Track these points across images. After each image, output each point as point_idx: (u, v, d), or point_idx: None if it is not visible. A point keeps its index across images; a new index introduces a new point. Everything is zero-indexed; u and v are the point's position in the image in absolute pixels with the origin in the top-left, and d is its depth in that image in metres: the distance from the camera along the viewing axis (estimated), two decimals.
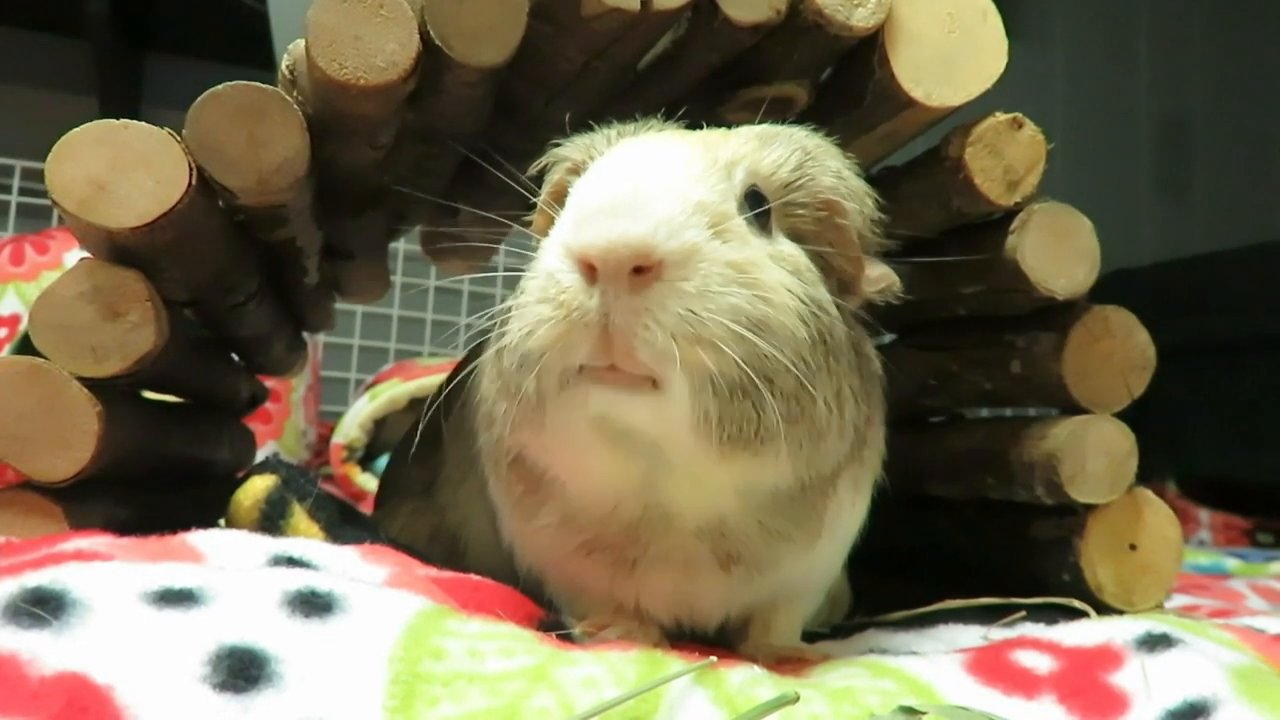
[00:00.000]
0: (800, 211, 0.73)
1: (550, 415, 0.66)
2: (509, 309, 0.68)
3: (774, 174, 0.72)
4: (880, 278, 0.77)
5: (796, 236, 0.73)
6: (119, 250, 0.80)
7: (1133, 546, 0.96)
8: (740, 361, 0.62)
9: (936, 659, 0.73)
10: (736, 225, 0.66)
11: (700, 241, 0.63)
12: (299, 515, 0.90)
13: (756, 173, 0.72)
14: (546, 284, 0.64)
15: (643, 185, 0.63)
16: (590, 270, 0.62)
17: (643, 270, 0.61)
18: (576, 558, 0.75)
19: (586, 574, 0.75)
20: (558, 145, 0.79)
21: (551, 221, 0.70)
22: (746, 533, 0.72)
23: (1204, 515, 2.84)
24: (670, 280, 0.61)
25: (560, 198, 0.73)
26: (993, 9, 0.90)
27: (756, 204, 0.70)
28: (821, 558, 0.80)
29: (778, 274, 0.67)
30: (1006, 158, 0.90)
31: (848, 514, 0.80)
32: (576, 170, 0.75)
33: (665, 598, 0.75)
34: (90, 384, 0.79)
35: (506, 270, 0.76)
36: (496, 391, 0.72)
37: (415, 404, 2.41)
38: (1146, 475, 0.97)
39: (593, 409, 0.64)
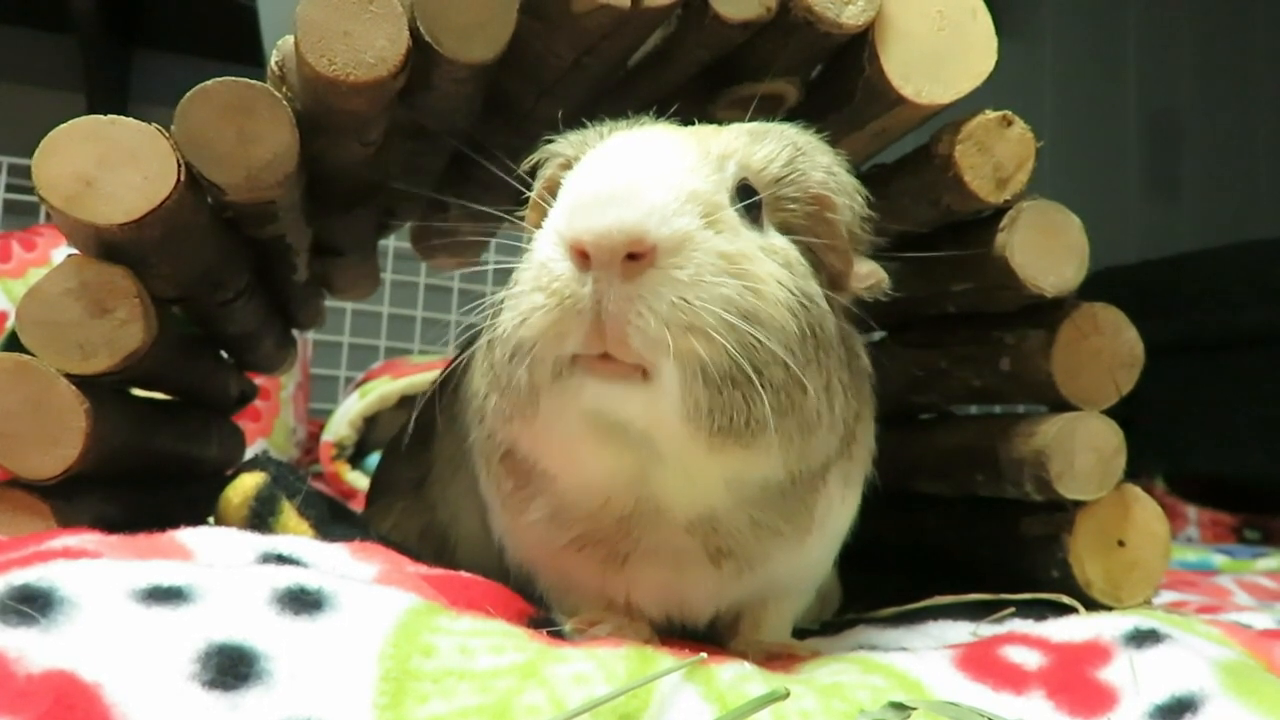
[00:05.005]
0: (791, 206, 0.73)
1: (543, 406, 0.66)
2: (501, 301, 0.68)
3: (765, 169, 0.73)
4: (869, 274, 0.77)
5: (787, 231, 0.73)
6: (107, 247, 0.80)
7: (1121, 543, 0.97)
8: (731, 350, 0.62)
9: (926, 655, 0.73)
10: (728, 216, 0.66)
11: (693, 230, 0.63)
12: (288, 513, 0.90)
13: (748, 167, 0.72)
14: (539, 273, 0.64)
15: (636, 174, 0.63)
16: (583, 258, 0.61)
17: (635, 257, 0.61)
18: (567, 553, 0.75)
19: (577, 569, 0.75)
20: (550, 141, 0.79)
21: (544, 216, 0.70)
22: (737, 527, 0.72)
23: (1192, 512, 2.85)
24: (663, 268, 0.61)
25: (553, 192, 0.73)
26: (982, 7, 0.90)
27: (747, 198, 0.70)
28: (812, 553, 0.81)
29: (769, 266, 0.67)
30: (996, 155, 0.90)
31: (838, 510, 0.80)
32: (569, 165, 0.75)
33: (656, 593, 0.75)
34: (78, 381, 0.78)
35: (497, 267, 0.76)
36: (488, 385, 0.72)
37: (406, 402, 2.41)
38: (1135, 472, 0.98)
39: (585, 403, 0.64)
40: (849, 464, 0.79)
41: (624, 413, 0.64)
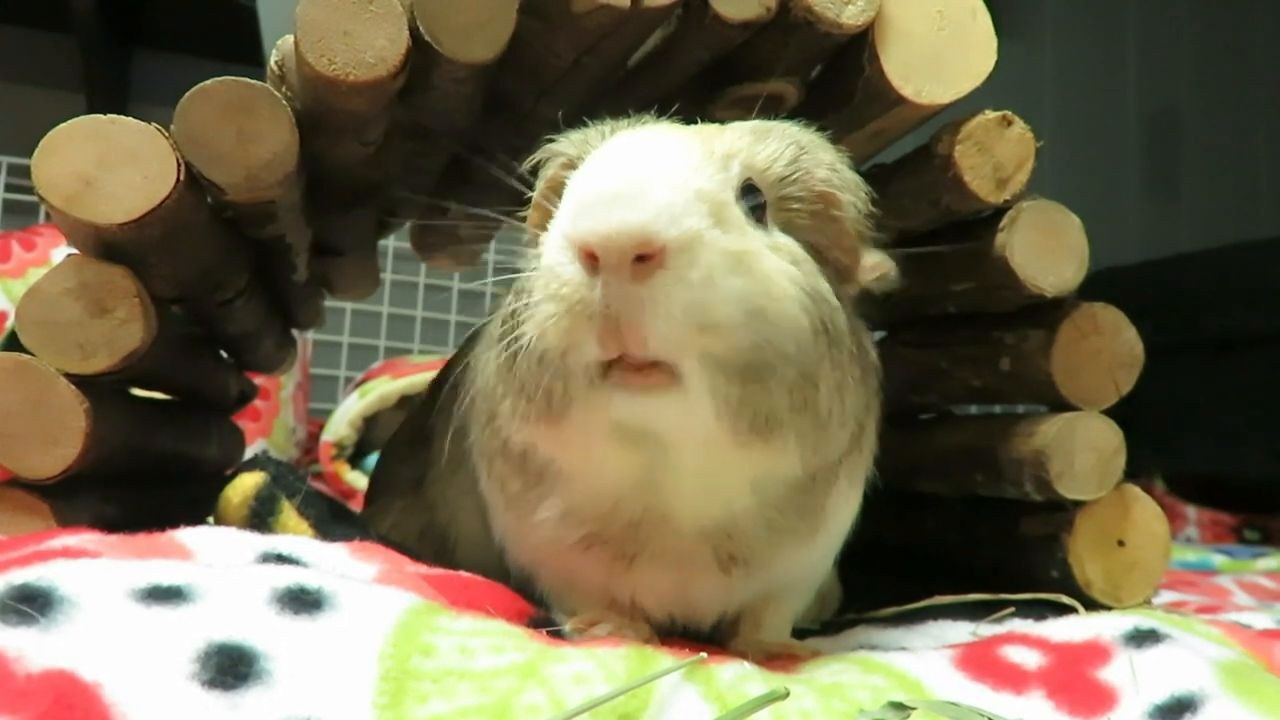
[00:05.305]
0: (795, 205, 0.73)
1: (574, 414, 0.65)
2: (517, 306, 0.67)
3: (769, 168, 0.72)
4: (876, 266, 0.77)
5: (791, 230, 0.73)
6: (106, 246, 0.80)
7: (1121, 543, 0.97)
8: (746, 348, 0.62)
9: (926, 655, 0.73)
10: (735, 214, 0.66)
11: (701, 229, 0.62)
12: (288, 512, 0.90)
13: (752, 166, 0.71)
14: (549, 279, 0.64)
15: (641, 174, 0.63)
16: (591, 260, 0.61)
17: (645, 259, 0.60)
18: (575, 552, 0.74)
19: (583, 569, 0.75)
20: (552, 140, 0.79)
21: (547, 216, 0.70)
22: (753, 533, 0.72)
23: (1191, 512, 2.85)
24: (673, 269, 0.61)
25: (556, 192, 0.73)
26: (982, 7, 0.90)
27: (752, 197, 0.70)
28: (818, 551, 0.81)
29: (777, 263, 0.67)
30: (996, 155, 0.90)
31: (845, 506, 0.80)
32: (572, 165, 0.74)
33: (662, 595, 0.75)
34: (78, 381, 0.78)
35: (496, 267, 0.76)
36: (504, 388, 0.71)
37: (405, 401, 2.41)
38: (1135, 472, 0.98)
39: (614, 413, 0.64)
40: (856, 459, 0.80)
41: (654, 425, 0.64)
